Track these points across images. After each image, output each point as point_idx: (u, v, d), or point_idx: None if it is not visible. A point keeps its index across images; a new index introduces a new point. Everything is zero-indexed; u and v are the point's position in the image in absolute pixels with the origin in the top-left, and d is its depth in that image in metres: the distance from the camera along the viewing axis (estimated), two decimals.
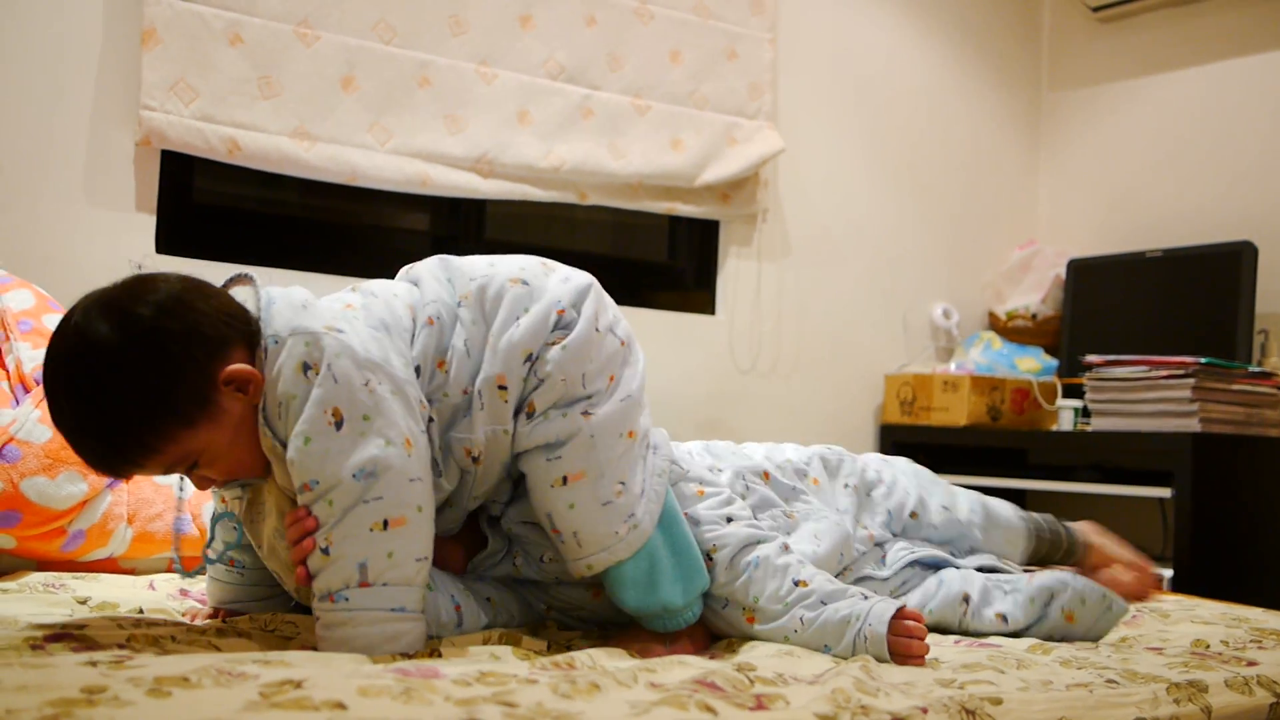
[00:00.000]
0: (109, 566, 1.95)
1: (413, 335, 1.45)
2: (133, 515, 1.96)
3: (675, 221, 3.28)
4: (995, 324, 3.66)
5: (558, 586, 1.60)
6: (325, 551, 1.32)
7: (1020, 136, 3.84)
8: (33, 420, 1.88)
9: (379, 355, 1.38)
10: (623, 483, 1.46)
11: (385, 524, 1.33)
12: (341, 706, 1.02)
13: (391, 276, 1.61)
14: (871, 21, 3.54)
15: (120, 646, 1.26)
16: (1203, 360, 2.79)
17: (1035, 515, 1.99)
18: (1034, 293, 3.59)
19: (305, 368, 1.34)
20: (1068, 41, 3.83)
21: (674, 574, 1.47)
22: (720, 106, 3.17)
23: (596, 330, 1.49)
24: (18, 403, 1.95)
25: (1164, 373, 2.82)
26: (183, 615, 1.63)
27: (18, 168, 2.40)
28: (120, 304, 1.33)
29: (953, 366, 3.44)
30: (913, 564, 1.75)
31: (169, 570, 1.99)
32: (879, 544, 1.77)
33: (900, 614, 1.44)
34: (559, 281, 1.52)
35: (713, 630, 1.56)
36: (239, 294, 1.43)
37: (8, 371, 2.01)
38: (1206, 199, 3.41)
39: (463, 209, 2.98)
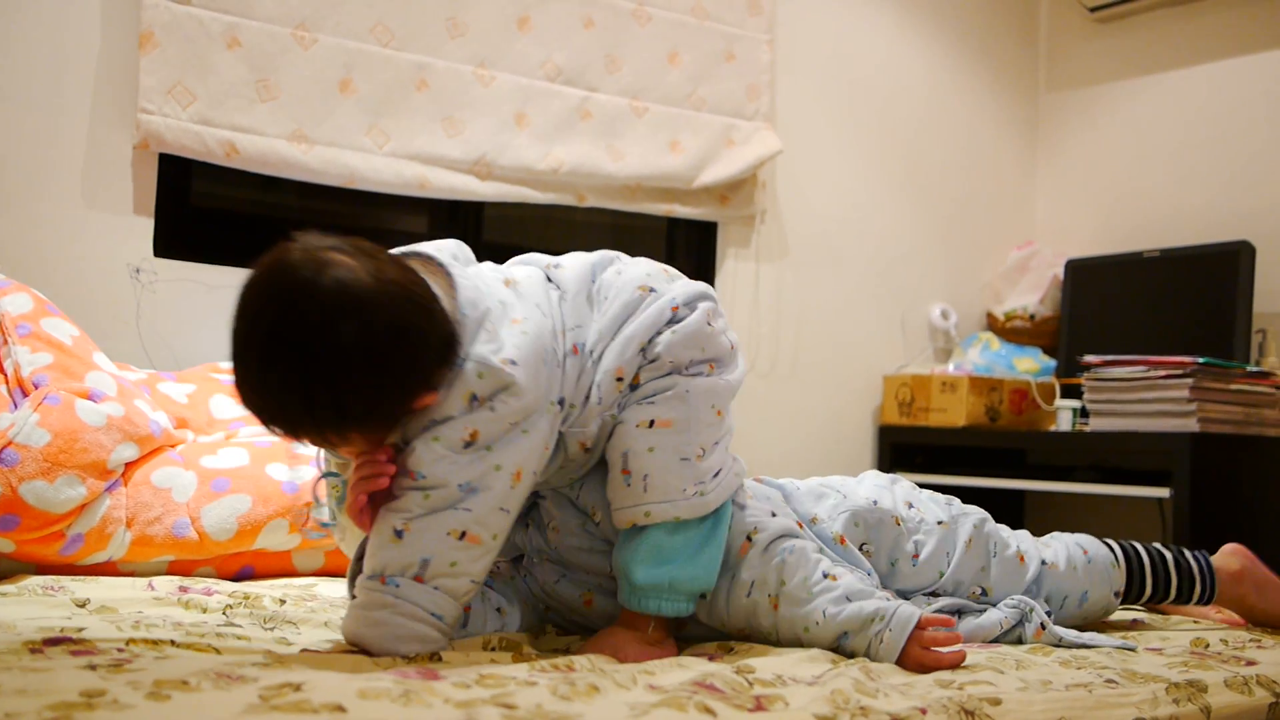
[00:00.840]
0: (108, 570, 1.95)
1: (561, 363, 1.48)
2: (131, 519, 1.95)
3: (673, 223, 3.28)
4: (993, 325, 3.66)
5: (555, 584, 1.61)
6: (398, 534, 1.36)
7: (1018, 137, 3.84)
8: (31, 424, 1.87)
9: (533, 400, 1.42)
10: (704, 450, 1.51)
11: (463, 535, 1.38)
12: (341, 709, 1.02)
13: None
14: (869, 23, 3.54)
15: (119, 650, 1.26)
16: (1201, 360, 2.79)
17: (1144, 550, 1.83)
18: (1032, 293, 3.59)
19: (473, 399, 1.39)
20: (1065, 42, 3.83)
21: (705, 560, 1.50)
22: (718, 108, 3.17)
23: (709, 325, 1.55)
24: (16, 406, 1.95)
25: (1162, 373, 2.82)
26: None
27: (15, 171, 2.40)
28: (363, 303, 1.33)
29: (951, 367, 3.44)
30: (936, 612, 1.69)
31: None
32: (905, 596, 1.72)
33: (921, 625, 1.43)
34: (680, 286, 1.58)
35: (731, 618, 1.56)
36: (433, 282, 1.42)
37: (5, 375, 2.01)
38: (1204, 199, 3.41)
39: (461, 211, 2.97)
